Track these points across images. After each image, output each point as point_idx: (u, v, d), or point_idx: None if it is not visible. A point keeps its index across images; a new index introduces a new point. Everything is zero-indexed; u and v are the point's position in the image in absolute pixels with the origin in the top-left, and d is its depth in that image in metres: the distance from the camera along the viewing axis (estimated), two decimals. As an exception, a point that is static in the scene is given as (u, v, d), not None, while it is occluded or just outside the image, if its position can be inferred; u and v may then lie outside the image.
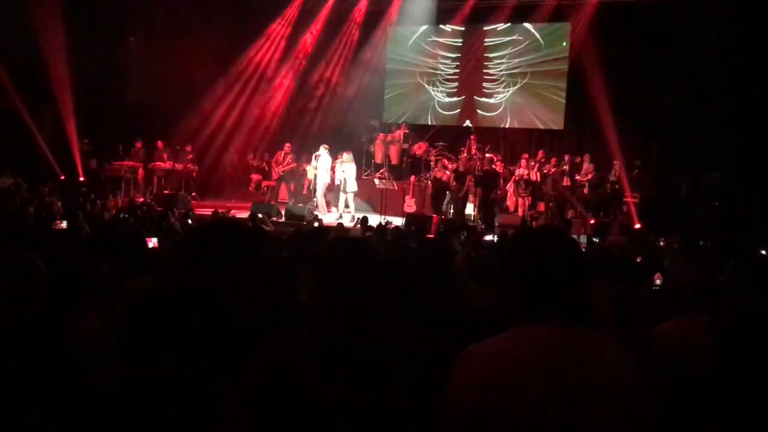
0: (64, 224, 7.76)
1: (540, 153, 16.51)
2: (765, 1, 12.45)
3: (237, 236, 2.34)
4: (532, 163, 16.25)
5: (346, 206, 15.75)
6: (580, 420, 1.88)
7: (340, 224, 10.91)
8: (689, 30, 14.48)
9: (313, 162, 16.45)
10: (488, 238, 7.62)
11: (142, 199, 15.31)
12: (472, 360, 1.98)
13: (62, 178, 15.47)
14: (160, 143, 17.65)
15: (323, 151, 16.12)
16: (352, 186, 15.74)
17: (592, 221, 14.79)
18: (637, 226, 13.66)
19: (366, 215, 13.14)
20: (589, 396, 1.90)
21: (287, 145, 17.74)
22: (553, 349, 1.93)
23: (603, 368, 1.94)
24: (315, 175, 16.34)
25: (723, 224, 12.70)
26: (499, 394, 1.90)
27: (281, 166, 17.54)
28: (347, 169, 15.73)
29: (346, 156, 15.89)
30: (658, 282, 5.82)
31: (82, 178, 16.16)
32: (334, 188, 16.22)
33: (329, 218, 14.72)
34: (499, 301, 2.14)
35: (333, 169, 16.12)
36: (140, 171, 17.34)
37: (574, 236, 11.83)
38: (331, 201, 16.58)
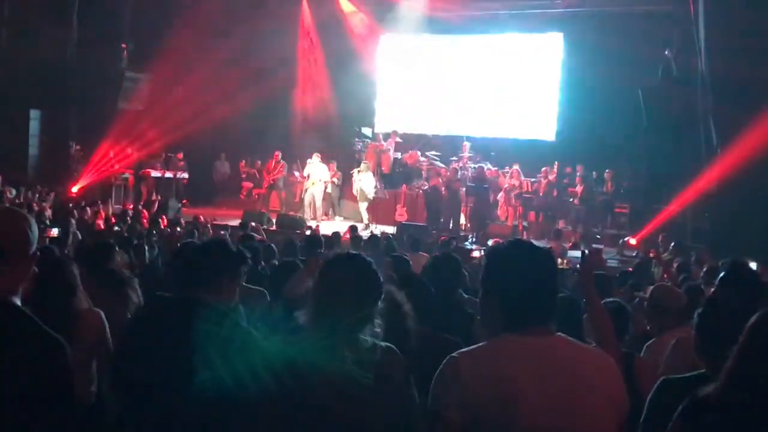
0: (54, 232, 7.71)
1: (531, 163, 16.50)
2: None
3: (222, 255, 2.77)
4: (523, 173, 16.27)
5: (361, 217, 16.04)
6: (566, 422, 1.96)
7: (336, 233, 10.88)
8: (681, 39, 14.59)
9: (307, 169, 16.57)
10: (476, 254, 7.54)
11: (132, 206, 15.27)
12: (460, 365, 2.02)
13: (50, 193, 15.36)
14: (180, 154, 17.88)
15: (315, 160, 16.23)
16: (370, 195, 15.92)
17: (581, 231, 14.85)
18: (633, 241, 13.63)
19: (355, 224, 13.19)
20: (573, 400, 1.98)
21: (276, 153, 17.74)
22: (536, 356, 2.01)
23: (585, 373, 2.03)
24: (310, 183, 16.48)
25: (713, 235, 12.76)
26: (488, 398, 1.94)
27: (272, 174, 17.54)
28: (364, 178, 15.91)
29: (364, 165, 16.21)
30: (644, 294, 5.90)
31: (73, 186, 16.12)
32: (334, 196, 16.75)
33: (329, 227, 14.71)
34: (480, 314, 2.22)
35: (335, 176, 16.76)
36: (131, 178, 17.31)
37: (564, 246, 11.94)
38: (329, 209, 16.94)
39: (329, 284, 2.26)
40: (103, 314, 3.70)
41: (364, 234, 11.75)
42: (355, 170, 16.35)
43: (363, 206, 16.09)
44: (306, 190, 16.55)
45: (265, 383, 2.09)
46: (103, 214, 12.59)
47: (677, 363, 3.35)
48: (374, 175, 17.09)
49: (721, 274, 3.82)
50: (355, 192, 16.34)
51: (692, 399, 2.06)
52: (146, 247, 7.18)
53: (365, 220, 15.72)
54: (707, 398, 2.02)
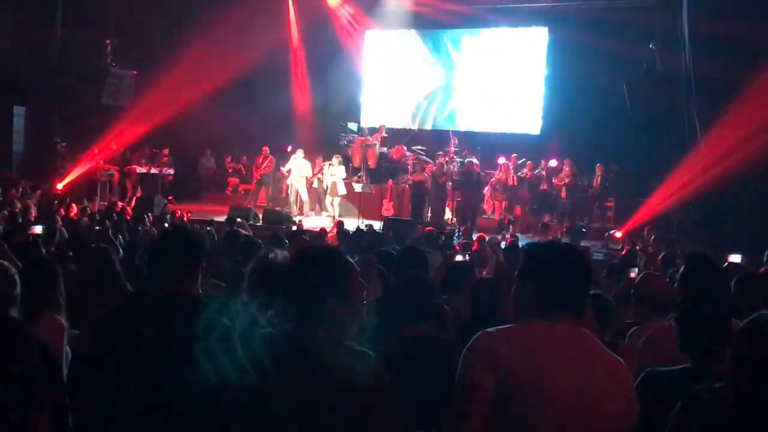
0: (38, 229, 7.63)
1: (515, 157, 16.51)
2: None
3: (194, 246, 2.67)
4: (509, 167, 16.28)
5: (329, 210, 16.00)
6: (591, 408, 2.05)
7: (323, 229, 10.91)
8: (666, 32, 14.63)
9: (289, 165, 16.57)
10: (459, 258, 7.32)
11: (119, 203, 15.18)
12: (495, 339, 2.11)
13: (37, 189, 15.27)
14: (166, 150, 17.68)
15: (299, 155, 16.25)
16: (341, 190, 15.90)
17: (567, 225, 14.89)
18: (618, 234, 13.67)
19: (342, 220, 13.20)
20: (596, 389, 2.07)
21: (265, 148, 17.68)
22: (564, 341, 2.12)
23: (607, 368, 2.13)
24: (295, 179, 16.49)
25: (697, 228, 12.84)
26: (518, 374, 2.03)
27: (260, 169, 17.49)
28: (336, 172, 15.91)
29: (335, 160, 16.22)
30: (632, 275, 5.96)
31: (58, 183, 16.01)
32: (321, 191, 16.63)
33: (313, 222, 14.71)
34: (512, 302, 2.30)
35: (320, 172, 16.60)
36: (116, 174, 17.21)
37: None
38: (315, 204, 16.85)
39: (296, 278, 2.23)
40: (65, 330, 3.47)
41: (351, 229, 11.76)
42: (326, 164, 16.42)
43: (334, 200, 16.19)
44: (290, 186, 16.59)
45: (241, 374, 2.09)
46: (90, 211, 12.52)
47: (649, 360, 3.30)
48: (362, 170, 17.11)
49: (681, 271, 3.86)
50: (325, 186, 16.39)
51: (692, 396, 2.13)
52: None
53: (334, 214, 15.77)
54: (703, 396, 2.09)
